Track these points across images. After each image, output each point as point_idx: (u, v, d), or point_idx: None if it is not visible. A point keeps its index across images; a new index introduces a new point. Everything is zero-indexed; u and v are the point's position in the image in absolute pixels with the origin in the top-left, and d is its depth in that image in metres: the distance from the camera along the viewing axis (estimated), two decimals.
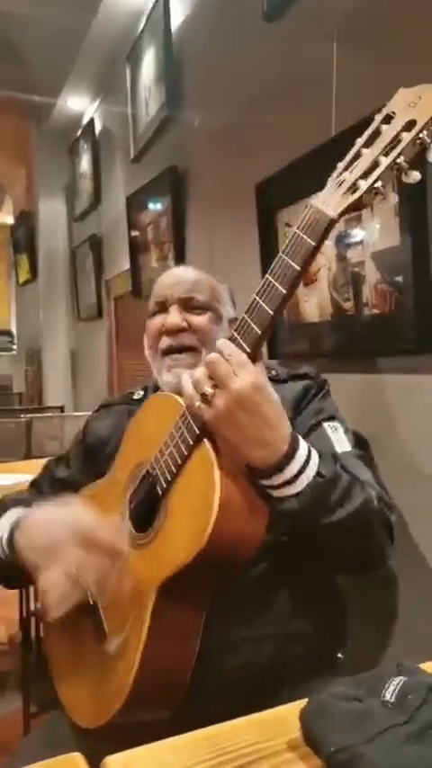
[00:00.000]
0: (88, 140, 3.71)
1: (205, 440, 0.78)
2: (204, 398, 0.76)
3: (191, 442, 0.79)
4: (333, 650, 1.01)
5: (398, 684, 0.59)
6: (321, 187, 1.39)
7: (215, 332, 1.03)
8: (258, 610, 0.91)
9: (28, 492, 1.18)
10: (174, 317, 1.03)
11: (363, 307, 1.30)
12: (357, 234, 1.31)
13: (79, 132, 3.88)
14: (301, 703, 0.59)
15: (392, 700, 0.58)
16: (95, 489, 1.04)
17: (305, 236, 0.73)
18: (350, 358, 1.38)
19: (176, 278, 1.08)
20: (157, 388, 1.11)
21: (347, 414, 1.02)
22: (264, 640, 0.90)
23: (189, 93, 2.32)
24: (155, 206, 2.61)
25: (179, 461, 0.80)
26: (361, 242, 1.30)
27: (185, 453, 0.80)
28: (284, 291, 0.74)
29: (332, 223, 0.72)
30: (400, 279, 1.18)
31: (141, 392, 1.16)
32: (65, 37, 3.09)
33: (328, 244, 1.43)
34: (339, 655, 1.02)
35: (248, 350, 0.76)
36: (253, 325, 0.76)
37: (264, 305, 0.75)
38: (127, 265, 3.00)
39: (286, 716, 0.60)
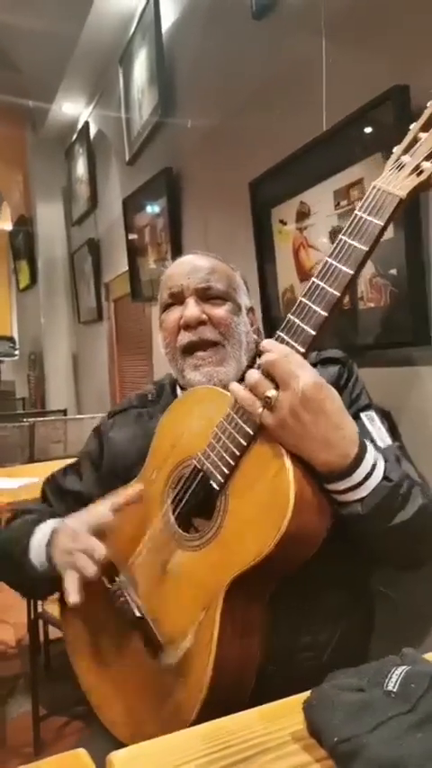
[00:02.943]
0: (83, 144, 3.72)
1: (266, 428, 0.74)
2: (267, 402, 0.72)
3: (251, 432, 0.75)
4: (368, 643, 1.00)
5: (401, 674, 0.59)
6: (316, 182, 1.41)
7: (236, 324, 0.98)
8: (314, 616, 0.89)
9: (40, 506, 1.13)
10: (192, 309, 0.96)
11: (358, 301, 1.30)
12: None
13: (74, 137, 3.89)
14: (305, 695, 0.60)
15: (395, 689, 0.58)
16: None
17: (372, 218, 0.72)
18: (347, 352, 1.37)
19: (191, 266, 1.00)
20: (175, 387, 1.08)
21: None
22: (322, 646, 0.89)
23: (182, 95, 2.32)
24: (151, 208, 2.62)
25: (237, 452, 0.76)
26: None
27: (244, 444, 0.75)
28: (351, 272, 0.72)
29: (401, 203, 0.72)
30: (394, 272, 1.18)
31: (154, 391, 1.10)
32: (57, 42, 3.10)
33: (324, 241, 1.43)
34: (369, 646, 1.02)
35: (302, 350, 0.74)
36: (306, 323, 0.74)
37: (327, 287, 0.73)
38: (125, 267, 3.01)
39: (290, 707, 0.60)
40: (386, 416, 1.01)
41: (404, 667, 0.60)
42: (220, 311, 0.98)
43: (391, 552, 0.84)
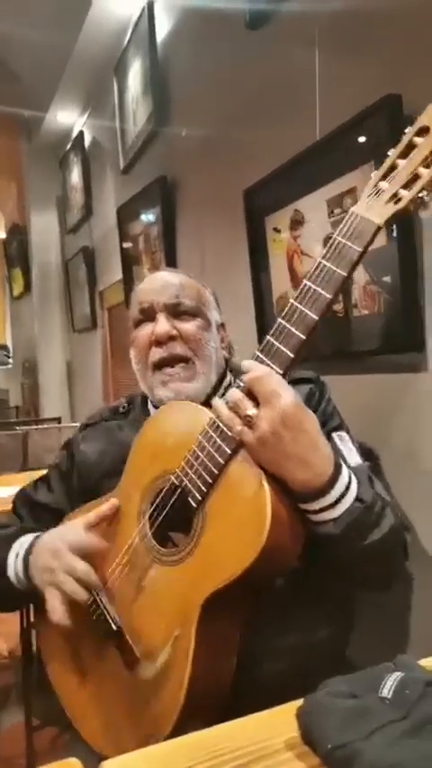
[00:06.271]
0: (78, 153, 3.73)
1: (243, 447, 0.75)
2: (248, 421, 0.73)
3: (228, 451, 0.76)
4: (345, 650, 1.01)
5: (395, 680, 0.59)
6: (309, 190, 1.42)
7: (206, 339, 0.99)
8: (286, 620, 0.89)
9: (12, 520, 1.12)
10: (162, 324, 0.97)
11: (352, 308, 1.31)
12: None
13: (69, 145, 3.90)
14: (299, 702, 0.59)
15: (390, 696, 0.58)
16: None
17: (350, 243, 0.74)
18: (342, 359, 1.38)
19: (161, 283, 1.02)
20: (145, 401, 1.09)
21: (342, 415, 1.02)
22: (290, 651, 0.89)
23: (176, 104, 2.34)
24: (146, 216, 2.63)
25: (215, 470, 0.77)
26: None
27: (222, 462, 0.76)
28: (330, 297, 0.74)
29: (378, 230, 0.74)
30: (388, 279, 1.19)
31: (126, 405, 1.12)
32: (52, 51, 3.11)
33: (318, 249, 1.44)
34: (345, 654, 1.02)
35: (281, 372, 0.75)
36: (285, 345, 0.75)
37: (306, 311, 0.74)
38: (120, 276, 3.01)
39: (284, 715, 0.60)
40: (369, 454, 1.02)
41: (398, 674, 0.60)
42: (190, 326, 0.99)
43: (362, 572, 0.85)
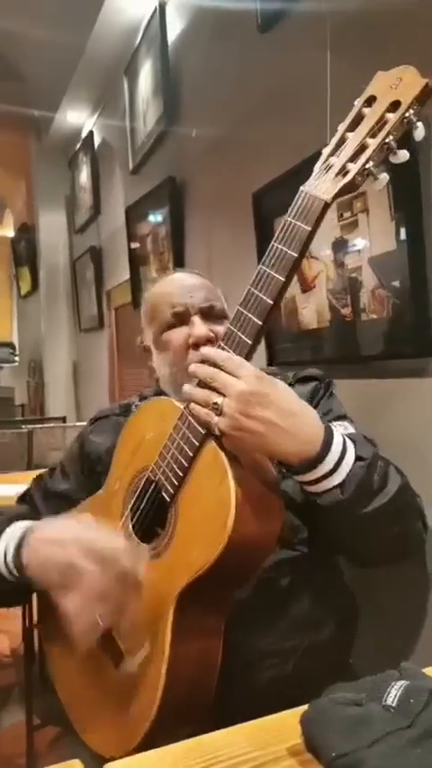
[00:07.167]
0: (87, 153, 3.74)
1: (211, 438, 0.75)
2: (215, 408, 0.73)
3: (196, 443, 0.76)
4: (347, 657, 1.00)
5: (399, 688, 0.58)
6: None
7: None
8: (282, 624, 0.88)
9: (18, 507, 1.12)
10: (201, 327, 0.97)
11: (361, 312, 1.30)
12: (355, 241, 1.32)
13: (78, 145, 3.91)
14: (302, 709, 0.59)
15: (394, 704, 0.57)
16: (90, 504, 0.99)
17: (300, 223, 0.73)
18: (350, 364, 1.38)
19: (189, 285, 1.03)
20: None
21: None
22: (288, 654, 0.88)
23: (186, 105, 2.34)
24: (154, 217, 2.63)
25: (185, 463, 0.77)
26: (358, 249, 1.31)
27: (191, 454, 0.77)
28: (283, 279, 0.73)
29: (326, 206, 0.73)
30: (397, 283, 1.18)
31: (138, 402, 1.11)
32: (63, 51, 3.12)
33: (327, 252, 1.43)
34: (350, 660, 1.01)
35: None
36: (242, 332, 0.75)
37: (261, 295, 0.74)
38: (127, 276, 3.02)
39: (287, 722, 0.59)
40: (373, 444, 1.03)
41: (403, 682, 0.59)
42: (223, 329, 0.98)
43: (371, 543, 0.84)
